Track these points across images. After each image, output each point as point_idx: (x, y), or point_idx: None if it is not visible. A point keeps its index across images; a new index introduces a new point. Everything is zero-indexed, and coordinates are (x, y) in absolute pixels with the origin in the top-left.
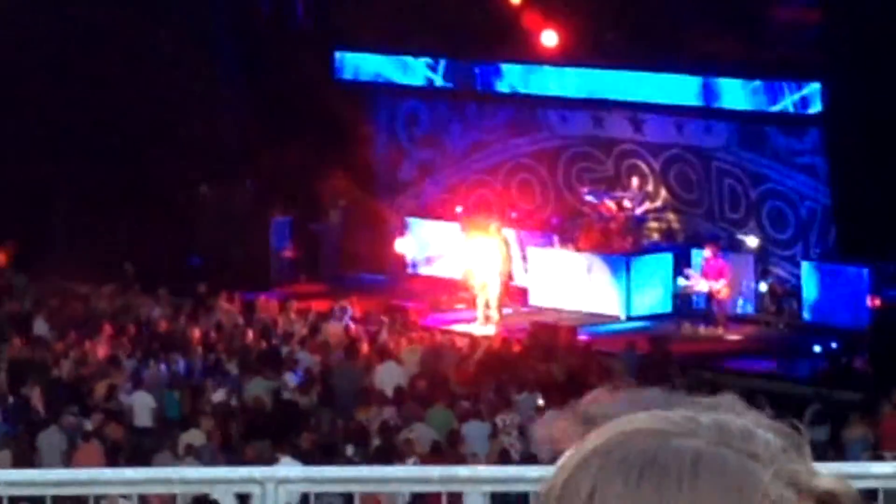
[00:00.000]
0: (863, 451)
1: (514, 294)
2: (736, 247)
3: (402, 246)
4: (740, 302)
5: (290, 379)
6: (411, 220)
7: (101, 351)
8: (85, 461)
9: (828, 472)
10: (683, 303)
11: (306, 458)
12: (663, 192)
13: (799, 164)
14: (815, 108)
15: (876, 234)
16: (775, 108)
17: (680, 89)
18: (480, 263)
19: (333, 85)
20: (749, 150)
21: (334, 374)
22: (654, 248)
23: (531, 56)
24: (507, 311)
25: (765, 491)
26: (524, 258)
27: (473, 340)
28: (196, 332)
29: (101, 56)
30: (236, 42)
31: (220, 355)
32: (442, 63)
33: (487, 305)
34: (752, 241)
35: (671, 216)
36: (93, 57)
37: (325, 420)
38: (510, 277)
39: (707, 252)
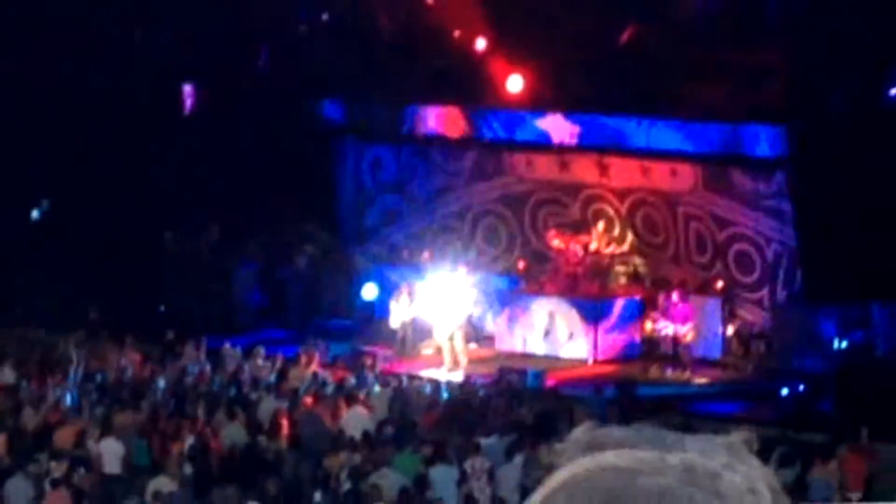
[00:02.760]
0: (828, 493)
1: (481, 340)
2: (702, 290)
3: (368, 292)
4: (707, 345)
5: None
6: (377, 266)
7: (69, 398)
8: None
9: None
10: (650, 346)
11: None
12: (630, 236)
13: (765, 206)
14: (781, 151)
15: (842, 277)
16: (741, 152)
17: (645, 133)
18: (446, 308)
19: (299, 132)
20: (715, 193)
21: (302, 419)
22: (621, 292)
23: (497, 101)
24: (472, 346)
25: None
26: (491, 303)
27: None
28: (163, 379)
29: (68, 101)
30: (202, 88)
31: (187, 402)
32: (409, 109)
33: (454, 350)
34: (718, 285)
35: (637, 260)
36: (59, 102)
37: (292, 465)
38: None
39: (674, 296)
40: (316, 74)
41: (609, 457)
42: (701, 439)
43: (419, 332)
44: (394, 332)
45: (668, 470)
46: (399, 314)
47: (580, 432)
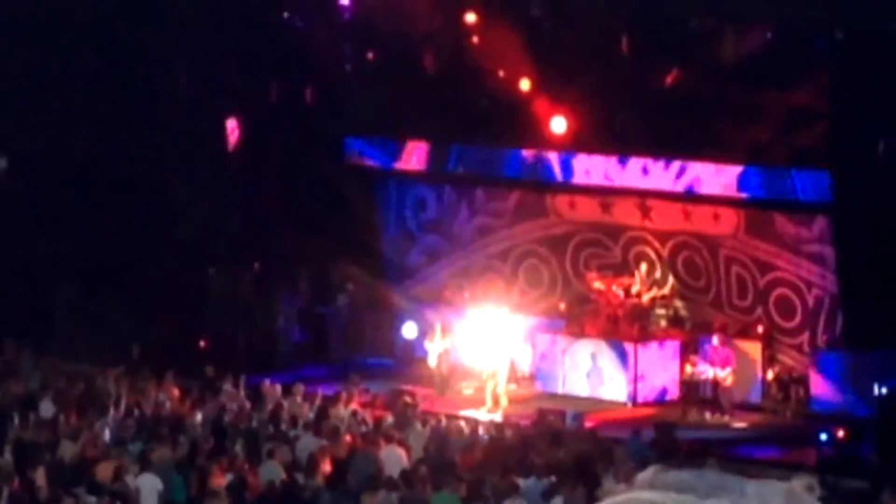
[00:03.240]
0: None
1: (521, 380)
2: (743, 334)
3: (408, 331)
4: (746, 389)
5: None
6: (418, 305)
7: (108, 433)
8: None
9: None
10: (690, 390)
11: None
12: (671, 279)
13: (806, 251)
14: (824, 196)
15: (883, 322)
16: (784, 196)
17: (688, 176)
18: (488, 348)
19: (342, 169)
20: (757, 238)
21: (353, 457)
22: (662, 335)
23: (540, 142)
24: (511, 386)
25: None
26: (532, 344)
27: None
28: (201, 415)
29: (107, 134)
30: (247, 123)
31: (226, 438)
32: (451, 148)
33: (495, 390)
34: (758, 329)
35: (678, 303)
36: (98, 138)
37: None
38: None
39: (714, 339)
40: (360, 112)
41: (645, 495)
42: (763, 484)
43: (459, 371)
44: (431, 371)
45: None
46: (434, 352)
47: (648, 472)
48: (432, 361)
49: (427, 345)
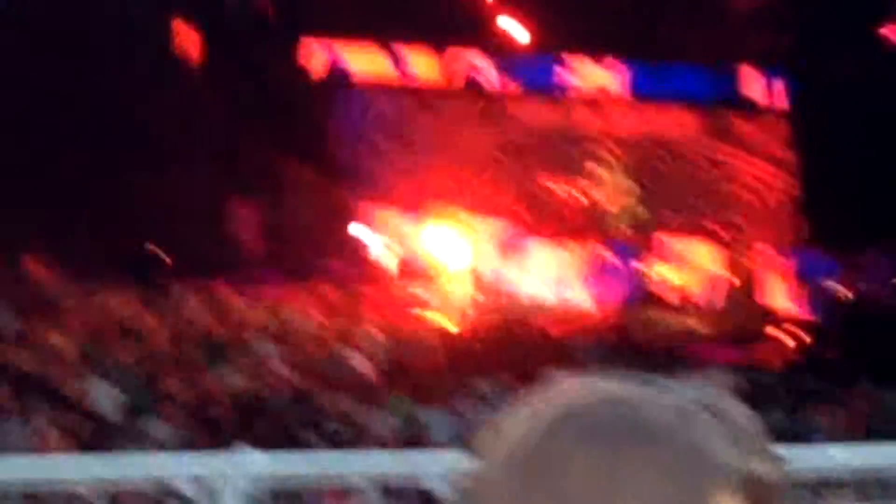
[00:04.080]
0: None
1: (483, 284)
2: (703, 237)
3: (365, 235)
4: (708, 291)
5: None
6: (379, 211)
7: (61, 339)
8: (46, 449)
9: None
10: (650, 291)
11: (265, 446)
12: (629, 182)
13: (767, 153)
14: (783, 100)
15: (845, 224)
16: (741, 98)
17: (646, 79)
18: (446, 251)
19: (297, 73)
20: (715, 139)
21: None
22: (621, 237)
23: (499, 47)
24: (470, 289)
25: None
26: (492, 248)
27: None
28: (155, 322)
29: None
30: (197, 27)
31: (181, 345)
32: (409, 54)
33: (456, 294)
34: (720, 231)
35: (637, 206)
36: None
37: (285, 408)
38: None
39: (674, 241)
40: (317, 14)
41: (610, 385)
42: (692, 385)
43: (418, 273)
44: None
45: (666, 397)
46: (389, 251)
47: (569, 382)
48: (387, 261)
49: (381, 245)
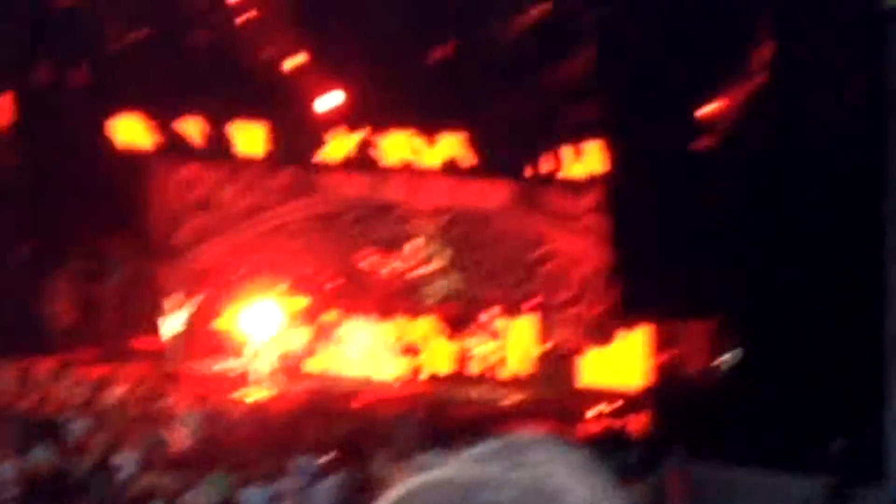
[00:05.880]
0: None
1: (291, 359)
2: (516, 309)
3: (174, 310)
4: (520, 364)
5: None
6: (192, 286)
7: None
8: None
9: None
10: (464, 364)
11: None
12: (445, 253)
13: (577, 224)
14: (596, 168)
15: (662, 295)
16: (554, 170)
17: (457, 151)
18: (257, 328)
19: (109, 148)
20: (527, 212)
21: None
22: (435, 311)
23: (308, 120)
24: (278, 366)
25: None
26: (302, 324)
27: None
28: None
29: None
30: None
31: None
32: (219, 127)
33: (264, 369)
34: (532, 304)
35: (451, 278)
36: None
37: (101, 487)
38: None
39: (488, 313)
40: (129, 92)
41: (448, 471)
42: (544, 450)
43: (227, 350)
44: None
45: (510, 485)
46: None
47: (424, 459)
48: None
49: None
